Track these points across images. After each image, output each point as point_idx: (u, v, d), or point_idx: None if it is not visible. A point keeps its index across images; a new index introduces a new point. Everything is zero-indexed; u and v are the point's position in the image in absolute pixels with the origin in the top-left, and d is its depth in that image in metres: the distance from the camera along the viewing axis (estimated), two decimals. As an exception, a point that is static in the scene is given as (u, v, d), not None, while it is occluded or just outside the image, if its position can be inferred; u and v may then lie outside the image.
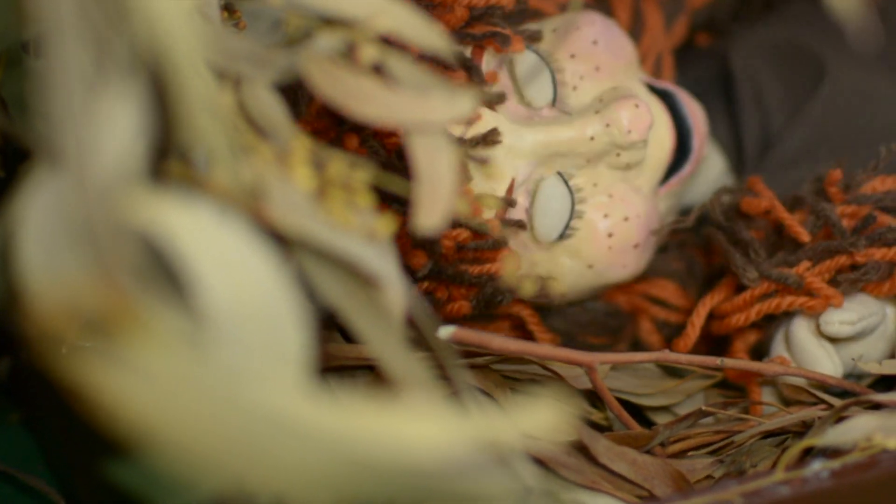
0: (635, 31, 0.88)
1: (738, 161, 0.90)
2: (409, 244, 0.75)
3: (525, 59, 0.79)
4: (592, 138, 0.78)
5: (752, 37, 0.91)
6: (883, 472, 0.64)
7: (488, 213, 0.76)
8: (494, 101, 0.76)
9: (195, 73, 0.44)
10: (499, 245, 0.76)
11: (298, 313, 0.44)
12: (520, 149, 0.77)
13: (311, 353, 0.44)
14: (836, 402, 0.74)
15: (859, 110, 0.87)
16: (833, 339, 0.80)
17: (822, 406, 0.75)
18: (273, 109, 0.53)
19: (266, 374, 0.43)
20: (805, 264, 0.80)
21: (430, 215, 0.53)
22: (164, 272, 0.43)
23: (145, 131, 0.44)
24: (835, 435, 0.66)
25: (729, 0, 0.94)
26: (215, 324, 0.43)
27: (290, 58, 0.54)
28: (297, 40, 0.55)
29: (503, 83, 0.78)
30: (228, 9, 0.65)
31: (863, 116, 0.86)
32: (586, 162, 0.79)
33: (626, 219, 0.80)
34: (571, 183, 0.79)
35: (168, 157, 0.49)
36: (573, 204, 0.79)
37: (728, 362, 0.74)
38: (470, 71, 0.75)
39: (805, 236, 0.81)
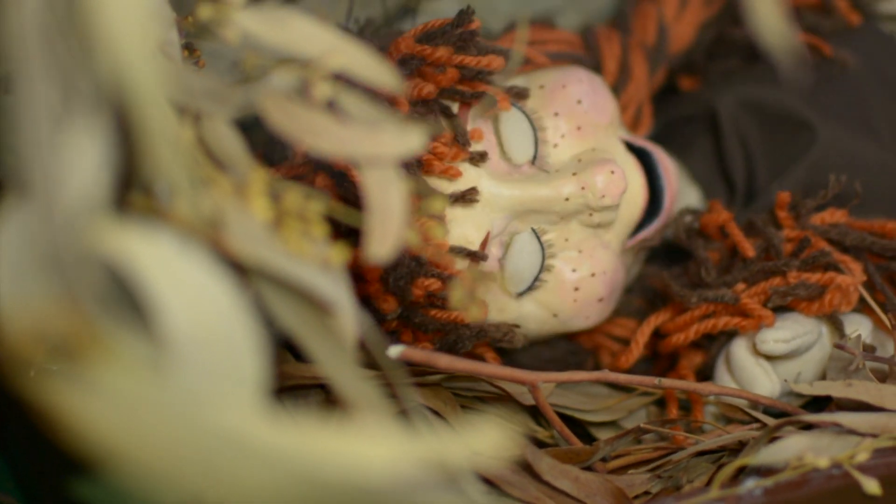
0: (622, 80, 0.90)
1: (722, 196, 0.92)
2: (381, 289, 0.76)
3: (510, 117, 0.79)
4: (567, 199, 0.79)
5: (737, 90, 0.92)
6: (813, 490, 0.65)
7: (460, 265, 0.77)
8: (476, 160, 0.77)
9: (157, 108, 0.44)
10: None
11: (255, 338, 0.44)
12: (497, 203, 0.78)
13: (267, 376, 0.44)
14: (771, 421, 0.75)
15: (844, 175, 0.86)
16: (770, 357, 0.81)
17: (758, 425, 0.76)
18: (231, 143, 0.53)
19: (224, 397, 0.43)
20: (741, 285, 0.82)
21: (382, 245, 0.53)
22: (127, 299, 0.44)
23: (110, 164, 0.44)
24: (768, 454, 0.67)
25: (704, 42, 0.94)
26: (176, 348, 0.43)
27: (247, 94, 0.54)
28: (254, 78, 0.56)
29: (487, 138, 0.79)
30: (189, 48, 0.65)
31: (848, 182, 0.86)
32: (560, 219, 0.80)
33: (592, 274, 0.81)
34: (544, 239, 0.80)
35: (131, 189, 0.49)
36: (544, 259, 0.80)
37: (665, 382, 0.75)
38: (455, 129, 0.76)
39: (750, 251, 0.83)
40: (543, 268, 0.80)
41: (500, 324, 0.80)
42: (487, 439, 0.42)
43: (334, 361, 0.53)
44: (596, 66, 0.89)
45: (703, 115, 0.93)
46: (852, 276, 0.80)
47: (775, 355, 0.81)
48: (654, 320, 0.86)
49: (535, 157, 0.80)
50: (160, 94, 0.44)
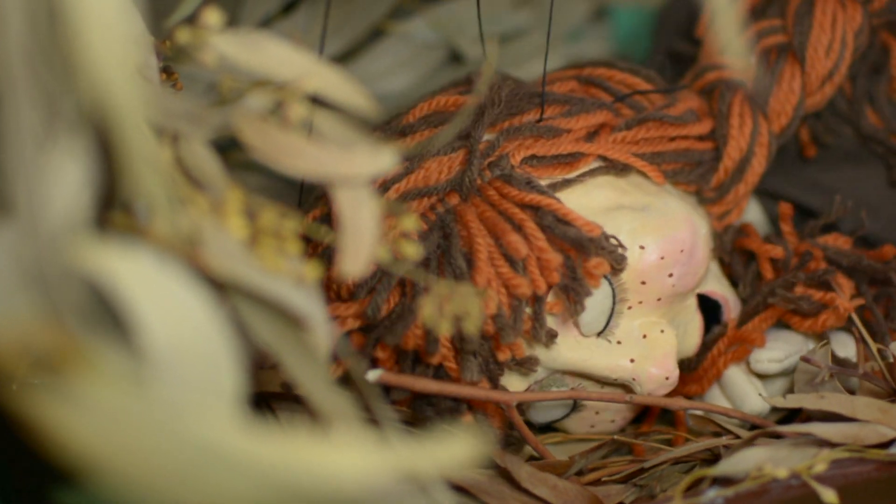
0: (735, 178, 0.84)
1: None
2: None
3: (598, 290, 0.75)
4: (616, 379, 0.77)
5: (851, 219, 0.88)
6: (772, 499, 0.66)
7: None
8: (546, 342, 0.75)
9: (137, 130, 0.44)
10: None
11: (233, 352, 0.45)
12: (550, 365, 0.77)
13: (244, 388, 0.45)
14: (745, 433, 0.76)
15: None
16: (761, 375, 0.82)
17: (729, 436, 0.77)
18: (208, 163, 0.54)
19: (203, 409, 0.43)
20: (732, 322, 0.83)
21: (354, 262, 0.54)
22: (108, 314, 0.44)
23: (91, 184, 0.44)
24: (729, 465, 0.68)
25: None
26: (155, 362, 0.43)
27: (223, 116, 0.54)
28: (230, 100, 0.56)
29: (563, 307, 0.76)
30: (167, 71, 0.65)
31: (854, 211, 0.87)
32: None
33: (612, 421, 0.82)
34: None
35: (112, 208, 0.50)
36: (574, 408, 0.80)
37: (636, 398, 0.76)
38: (535, 323, 0.74)
39: (769, 273, 0.83)
40: (572, 411, 0.81)
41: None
42: (461, 449, 0.42)
43: (308, 374, 0.53)
44: (716, 158, 0.84)
45: (804, 206, 0.90)
46: (845, 296, 0.81)
47: (769, 374, 0.82)
48: None
49: (603, 331, 0.77)
50: (139, 115, 0.44)
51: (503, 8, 1.02)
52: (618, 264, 0.75)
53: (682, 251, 0.77)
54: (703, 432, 0.81)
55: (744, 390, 0.82)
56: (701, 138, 0.84)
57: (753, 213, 0.91)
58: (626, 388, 0.79)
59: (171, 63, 0.66)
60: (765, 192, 0.91)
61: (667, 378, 0.76)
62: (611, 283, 0.76)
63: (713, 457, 0.75)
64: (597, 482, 0.75)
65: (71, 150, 0.44)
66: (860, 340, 0.78)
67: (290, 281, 0.53)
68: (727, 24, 0.48)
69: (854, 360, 0.81)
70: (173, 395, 0.43)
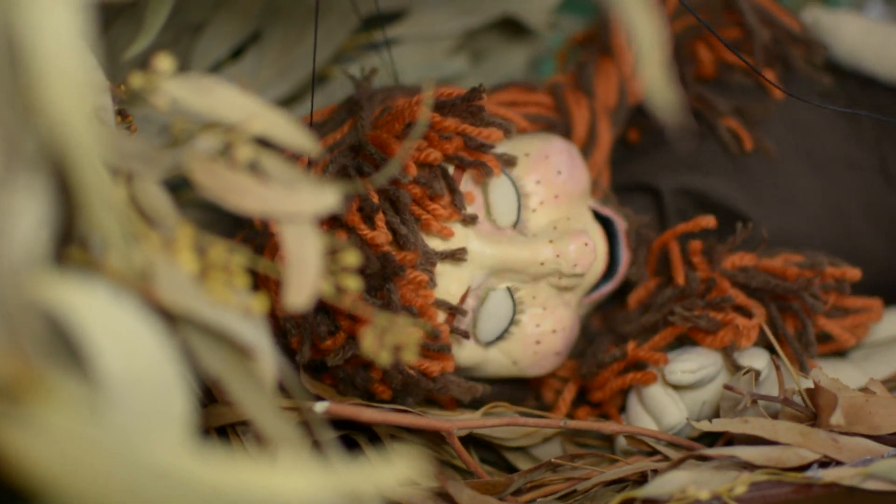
0: (589, 145, 0.92)
1: None
2: (380, 385, 0.79)
3: (498, 182, 0.82)
4: (542, 263, 0.82)
5: (680, 177, 0.95)
6: (695, 520, 0.66)
7: (440, 317, 0.80)
8: (468, 222, 0.80)
9: (93, 169, 0.44)
10: (444, 349, 0.79)
11: (183, 381, 0.45)
12: (480, 261, 0.81)
13: (193, 415, 0.45)
14: (672, 453, 0.77)
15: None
16: (677, 387, 0.84)
17: (658, 457, 0.78)
18: (160, 202, 0.54)
19: (154, 435, 0.44)
20: (632, 344, 0.85)
21: (299, 295, 0.54)
22: (65, 345, 0.44)
23: (49, 220, 0.45)
24: (654, 487, 0.69)
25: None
26: (110, 390, 0.44)
27: (175, 157, 0.55)
28: (181, 141, 0.56)
29: (476, 200, 0.82)
30: (122, 114, 0.65)
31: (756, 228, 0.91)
32: (531, 279, 0.83)
33: (553, 331, 0.85)
34: (516, 296, 0.83)
35: (69, 243, 0.50)
36: (514, 314, 0.83)
37: (570, 423, 0.77)
38: (452, 193, 0.79)
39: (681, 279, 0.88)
40: (512, 322, 0.83)
41: (460, 381, 0.83)
42: (404, 470, 0.43)
43: (255, 401, 0.54)
44: (566, 129, 0.93)
45: (645, 185, 0.96)
46: (755, 317, 0.83)
47: (683, 385, 0.84)
48: (574, 386, 0.90)
49: (517, 222, 0.83)
50: (95, 156, 0.45)
51: (440, 55, 1.04)
52: (507, 132, 0.82)
53: (561, 152, 0.85)
54: (636, 452, 0.83)
55: (662, 403, 0.85)
56: (550, 109, 0.94)
57: None
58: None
59: (126, 106, 0.67)
60: (623, 187, 0.97)
61: (585, 244, 0.82)
62: (509, 176, 0.83)
63: (643, 477, 0.76)
64: (534, 500, 0.76)
65: (30, 189, 0.45)
66: (778, 368, 0.79)
67: (238, 313, 0.53)
68: (646, 43, 0.50)
69: (766, 370, 0.83)
70: (126, 421, 0.44)
